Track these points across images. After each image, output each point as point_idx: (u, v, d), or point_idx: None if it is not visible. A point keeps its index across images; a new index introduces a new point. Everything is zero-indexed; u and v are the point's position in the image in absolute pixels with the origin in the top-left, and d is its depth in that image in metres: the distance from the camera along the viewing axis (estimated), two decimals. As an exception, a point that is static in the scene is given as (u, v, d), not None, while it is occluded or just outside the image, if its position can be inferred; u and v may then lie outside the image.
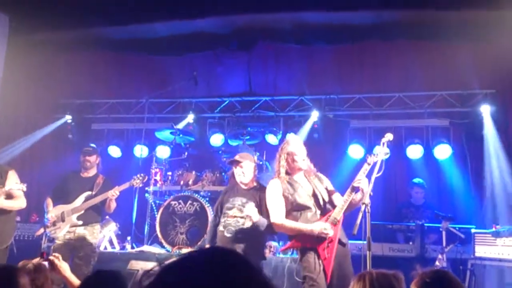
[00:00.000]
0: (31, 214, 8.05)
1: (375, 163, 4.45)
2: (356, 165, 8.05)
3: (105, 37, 8.94)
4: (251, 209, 4.92)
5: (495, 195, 7.49)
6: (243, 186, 5.23)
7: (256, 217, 4.86)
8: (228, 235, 4.99)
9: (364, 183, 4.37)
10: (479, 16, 7.18)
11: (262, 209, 4.93)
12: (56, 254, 3.63)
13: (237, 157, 5.28)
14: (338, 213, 4.43)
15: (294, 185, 4.66)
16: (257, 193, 5.11)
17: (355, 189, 4.41)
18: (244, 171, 5.18)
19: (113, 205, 6.16)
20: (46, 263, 3.44)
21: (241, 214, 5.05)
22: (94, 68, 9.10)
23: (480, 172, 7.89)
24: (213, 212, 5.59)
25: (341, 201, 4.51)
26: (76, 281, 3.51)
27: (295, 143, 4.83)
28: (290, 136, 5.16)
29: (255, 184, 5.29)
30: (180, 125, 8.76)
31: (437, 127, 8.34)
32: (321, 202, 4.63)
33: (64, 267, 3.56)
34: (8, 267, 3.01)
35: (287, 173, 4.73)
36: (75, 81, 9.11)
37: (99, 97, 9.59)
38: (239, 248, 4.89)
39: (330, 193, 4.77)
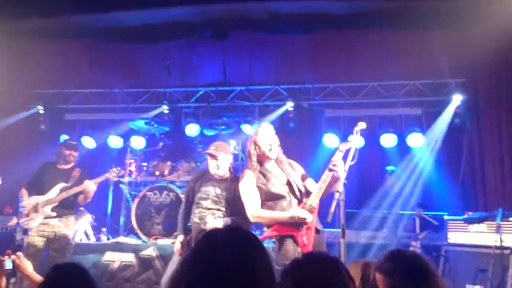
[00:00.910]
0: (5, 206, 7.92)
1: (347, 150, 4.46)
2: (331, 154, 8.10)
3: (78, 25, 8.77)
4: (211, 221, 4.88)
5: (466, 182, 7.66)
6: (216, 176, 5.16)
7: (220, 224, 4.83)
8: (204, 227, 4.92)
9: (340, 166, 4.35)
10: (451, 5, 7.27)
11: (237, 201, 4.86)
12: (18, 253, 3.75)
13: (212, 150, 5.15)
14: (313, 200, 4.42)
15: (267, 175, 4.64)
16: (231, 183, 5.02)
17: (331, 172, 4.38)
18: (219, 164, 5.09)
19: (88, 198, 6.11)
20: (6, 261, 3.61)
21: (216, 206, 5.02)
22: (66, 57, 8.94)
23: (453, 159, 8.05)
24: (184, 199, 5.49)
25: (316, 187, 4.48)
26: (38, 278, 3.58)
27: (263, 132, 4.77)
28: (259, 126, 5.09)
29: (228, 174, 5.22)
30: (154, 115, 8.69)
31: (410, 116, 8.46)
32: (296, 190, 4.61)
33: (25, 266, 3.67)
34: None
35: (258, 162, 4.72)
36: (47, 70, 8.92)
37: (71, 87, 9.43)
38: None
39: (304, 180, 4.76)
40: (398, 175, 7.64)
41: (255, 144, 4.71)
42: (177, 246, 5.10)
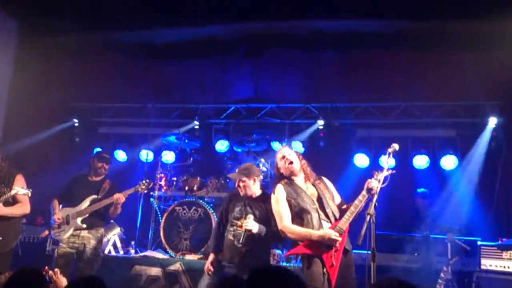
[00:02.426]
0: (37, 216, 8.05)
1: (385, 177, 4.45)
2: (362, 173, 8.04)
3: (113, 41, 8.96)
4: (250, 222, 4.93)
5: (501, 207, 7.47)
6: (248, 197, 5.23)
7: (256, 228, 4.88)
8: (239, 245, 4.97)
9: (375, 184, 4.38)
10: (484, 27, 7.16)
11: (270, 217, 4.93)
12: (56, 270, 3.87)
13: (232, 174, 5.44)
14: (344, 224, 4.44)
15: (297, 190, 4.70)
16: (263, 202, 5.10)
17: (367, 196, 4.41)
18: (244, 186, 5.19)
19: (118, 210, 6.16)
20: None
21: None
22: (101, 72, 9.10)
23: (487, 183, 7.86)
24: (217, 218, 5.57)
25: (348, 211, 4.49)
26: None
27: (283, 148, 5.03)
28: (285, 145, 5.28)
29: (260, 193, 5.27)
30: (186, 131, 8.77)
31: (443, 137, 8.32)
32: (326, 207, 4.62)
33: (61, 282, 3.78)
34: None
35: (283, 176, 4.81)
36: (83, 85, 9.12)
37: (106, 101, 9.61)
38: (249, 257, 4.91)
39: (335, 199, 4.80)
40: (430, 197, 7.49)
41: (276, 163, 4.92)
42: (207, 265, 5.17)
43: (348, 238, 4.57)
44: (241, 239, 4.90)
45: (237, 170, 5.40)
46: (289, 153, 4.87)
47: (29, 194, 5.50)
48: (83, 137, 9.47)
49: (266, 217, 4.99)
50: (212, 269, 5.10)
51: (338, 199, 4.85)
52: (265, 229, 4.93)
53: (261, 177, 5.65)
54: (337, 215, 4.65)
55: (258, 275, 2.42)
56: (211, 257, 5.20)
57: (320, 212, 4.59)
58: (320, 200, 4.67)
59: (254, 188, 5.20)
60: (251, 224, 4.89)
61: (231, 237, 5.07)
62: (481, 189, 7.88)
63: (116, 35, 8.82)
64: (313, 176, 4.87)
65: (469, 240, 6.12)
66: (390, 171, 4.50)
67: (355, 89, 8.82)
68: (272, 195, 4.79)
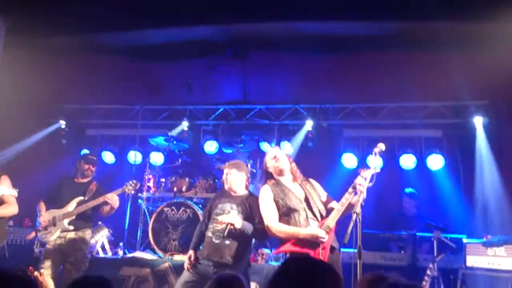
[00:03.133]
0: (24, 218, 8.01)
1: (372, 176, 4.50)
2: (349, 174, 8.09)
3: (101, 43, 8.93)
4: (233, 216, 4.97)
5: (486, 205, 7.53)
6: (232, 193, 5.27)
7: (239, 223, 4.90)
8: (217, 241, 5.01)
9: (364, 189, 4.41)
10: (472, 28, 7.23)
11: (253, 216, 4.98)
12: (41, 271, 3.84)
13: (224, 165, 5.50)
14: (331, 221, 4.49)
15: (285, 190, 4.77)
16: (247, 200, 5.15)
17: (353, 193, 4.46)
18: (230, 179, 5.25)
19: (107, 209, 6.15)
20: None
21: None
22: (89, 74, 9.07)
23: (472, 182, 7.93)
24: (202, 217, 5.60)
25: (335, 209, 4.55)
26: None
27: (273, 148, 5.18)
28: (274, 146, 5.36)
29: (245, 192, 5.31)
30: (174, 132, 8.77)
31: (430, 137, 8.39)
32: (314, 207, 4.69)
33: (47, 284, 3.70)
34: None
35: (273, 178, 4.89)
36: (70, 86, 9.09)
37: (93, 103, 9.59)
38: (226, 254, 4.92)
39: (322, 198, 4.86)
40: (416, 196, 7.55)
41: (265, 162, 5.00)
42: (186, 260, 5.19)
43: (335, 236, 4.62)
44: (224, 233, 4.90)
45: (227, 163, 5.49)
46: (280, 154, 4.96)
47: (16, 195, 5.47)
48: (71, 139, 9.44)
49: (249, 215, 5.02)
50: (189, 265, 5.10)
51: (325, 197, 4.90)
52: (251, 226, 4.95)
53: (249, 176, 5.67)
54: (324, 214, 4.71)
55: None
56: (189, 253, 5.19)
57: (308, 211, 4.66)
58: (307, 200, 4.74)
59: (239, 183, 5.25)
60: (234, 218, 4.91)
61: (210, 234, 5.10)
62: (466, 186, 7.95)
63: (104, 37, 8.79)
64: (301, 178, 4.94)
65: (454, 237, 6.18)
66: (376, 170, 4.55)
67: (342, 90, 8.88)
68: (260, 195, 4.85)
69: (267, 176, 4.96)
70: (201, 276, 4.98)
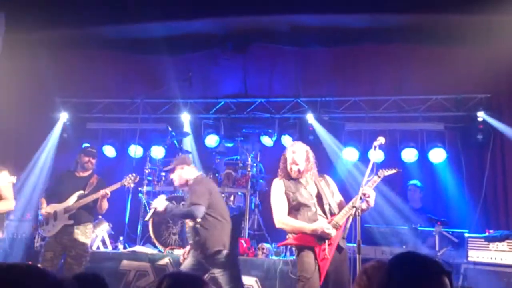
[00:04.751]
0: (25, 212, 8.01)
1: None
2: (351, 167, 8.06)
3: (101, 36, 8.91)
4: (157, 200, 5.27)
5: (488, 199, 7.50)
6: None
7: (161, 206, 5.14)
8: (188, 234, 5.33)
9: (372, 197, 4.41)
10: (475, 21, 7.19)
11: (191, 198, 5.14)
12: (40, 265, 3.80)
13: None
14: (340, 219, 4.48)
15: (297, 185, 4.73)
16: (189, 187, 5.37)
17: (362, 200, 4.40)
18: (173, 177, 5.53)
19: (105, 205, 6.12)
20: None
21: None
22: (89, 68, 9.06)
23: (475, 176, 7.89)
24: None
25: (345, 207, 4.53)
26: None
27: (291, 149, 4.86)
28: (292, 142, 5.23)
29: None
30: (175, 126, 8.74)
31: (432, 131, 8.35)
32: (325, 204, 4.66)
33: None
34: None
35: (286, 177, 4.80)
36: (71, 80, 9.08)
37: (94, 97, 9.56)
38: (198, 246, 5.15)
39: (335, 196, 4.81)
40: (419, 190, 7.52)
41: (283, 159, 4.86)
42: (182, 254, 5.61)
43: (343, 238, 4.58)
44: (148, 216, 5.31)
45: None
46: (300, 153, 4.80)
47: (14, 181, 5.46)
48: (71, 133, 9.41)
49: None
50: (182, 258, 5.49)
51: (338, 198, 4.84)
52: (175, 207, 5.29)
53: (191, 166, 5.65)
54: (336, 212, 4.65)
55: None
56: (187, 247, 5.53)
57: (318, 207, 4.64)
58: (319, 196, 4.71)
59: (179, 180, 5.48)
60: (157, 202, 5.20)
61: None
62: (469, 181, 7.91)
63: (105, 30, 8.77)
64: (316, 174, 4.88)
65: (456, 232, 6.16)
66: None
67: (344, 83, 8.84)
68: (271, 188, 4.85)
69: (284, 170, 4.83)
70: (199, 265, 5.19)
